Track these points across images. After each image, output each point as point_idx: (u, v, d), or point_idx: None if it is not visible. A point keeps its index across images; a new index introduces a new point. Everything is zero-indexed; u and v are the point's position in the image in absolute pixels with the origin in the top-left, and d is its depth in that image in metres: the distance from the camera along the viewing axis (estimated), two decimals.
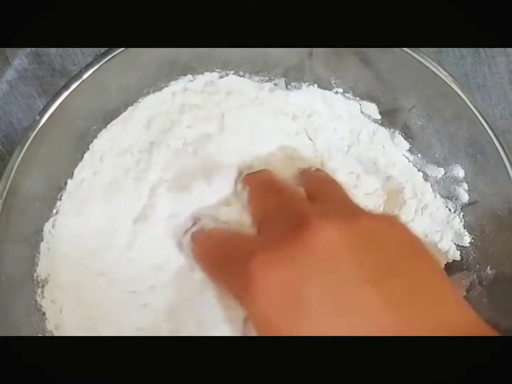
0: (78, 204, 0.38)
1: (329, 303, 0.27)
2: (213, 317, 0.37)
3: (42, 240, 0.37)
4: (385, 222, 0.31)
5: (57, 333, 0.37)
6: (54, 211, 0.38)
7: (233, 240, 0.33)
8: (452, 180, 0.41)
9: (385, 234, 0.30)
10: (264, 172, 0.38)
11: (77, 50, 0.43)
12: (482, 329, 0.28)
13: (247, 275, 0.28)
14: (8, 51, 0.42)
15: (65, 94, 0.34)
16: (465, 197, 0.41)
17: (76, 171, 0.38)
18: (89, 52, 0.43)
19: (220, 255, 0.33)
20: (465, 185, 0.41)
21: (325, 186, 0.38)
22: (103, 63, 0.35)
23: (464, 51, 0.46)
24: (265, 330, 0.29)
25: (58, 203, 0.38)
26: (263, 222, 0.33)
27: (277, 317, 0.28)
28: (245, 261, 0.29)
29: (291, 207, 0.32)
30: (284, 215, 0.31)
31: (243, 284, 0.29)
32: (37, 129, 0.34)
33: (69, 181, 0.38)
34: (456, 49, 0.46)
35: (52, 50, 0.43)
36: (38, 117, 0.34)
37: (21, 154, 0.34)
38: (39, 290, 0.37)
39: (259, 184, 0.36)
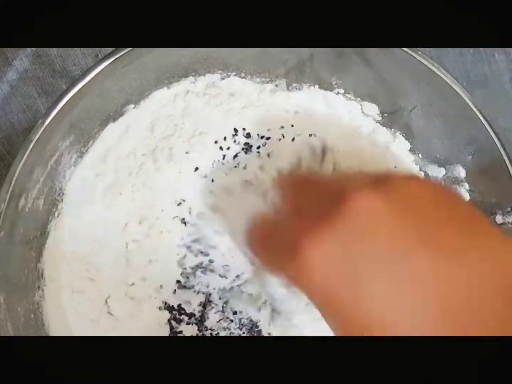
0: (79, 206, 0.38)
1: (382, 268, 0.28)
2: None
3: (45, 241, 0.38)
4: (416, 180, 0.32)
5: (57, 333, 0.38)
6: (57, 213, 0.38)
7: (280, 228, 0.34)
8: (453, 180, 0.41)
9: (421, 192, 0.31)
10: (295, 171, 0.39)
11: (77, 50, 0.43)
12: None
13: (299, 256, 0.29)
14: (9, 51, 0.42)
15: (68, 97, 0.34)
16: (466, 197, 0.41)
17: (76, 173, 0.38)
18: (90, 53, 0.43)
19: (272, 245, 0.34)
20: (466, 185, 0.41)
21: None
22: (105, 66, 0.35)
23: (464, 49, 0.46)
24: (326, 307, 0.29)
25: (60, 205, 0.38)
26: (305, 208, 0.34)
27: (336, 289, 0.28)
28: (295, 244, 0.29)
29: (328, 188, 0.33)
30: (323, 195, 0.32)
31: (297, 266, 0.29)
32: (40, 132, 0.34)
33: (69, 183, 0.38)
34: (456, 48, 0.46)
35: (53, 51, 0.43)
36: (40, 121, 0.34)
37: (24, 157, 0.34)
38: (40, 291, 0.38)
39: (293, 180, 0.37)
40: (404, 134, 0.42)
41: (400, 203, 0.29)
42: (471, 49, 0.46)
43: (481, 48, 0.46)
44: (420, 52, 0.37)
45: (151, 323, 0.38)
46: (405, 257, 0.28)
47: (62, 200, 0.38)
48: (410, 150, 0.42)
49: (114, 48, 0.35)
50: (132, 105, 0.39)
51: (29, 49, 0.42)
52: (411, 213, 0.29)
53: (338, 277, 0.28)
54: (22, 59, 0.42)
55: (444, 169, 0.41)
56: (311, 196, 0.34)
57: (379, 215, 0.29)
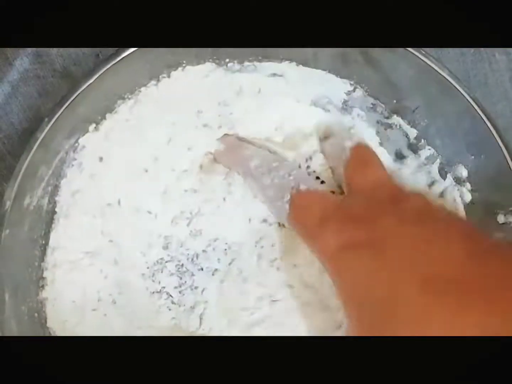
0: (77, 204, 0.38)
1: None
2: None
3: (49, 240, 0.38)
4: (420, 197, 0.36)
5: (58, 333, 0.38)
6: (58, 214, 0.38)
7: (325, 202, 0.36)
8: (455, 179, 0.41)
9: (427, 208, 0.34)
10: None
11: (78, 50, 0.43)
12: None
13: (338, 234, 0.33)
14: (9, 51, 0.42)
15: (73, 96, 0.35)
16: (468, 197, 0.41)
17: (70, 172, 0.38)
18: (90, 52, 0.43)
19: (315, 216, 0.35)
20: (468, 185, 0.41)
21: None
22: (110, 66, 0.35)
23: (465, 49, 0.46)
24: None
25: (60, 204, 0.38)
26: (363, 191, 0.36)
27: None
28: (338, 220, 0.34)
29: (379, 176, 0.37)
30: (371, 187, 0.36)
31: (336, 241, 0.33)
32: (46, 130, 0.34)
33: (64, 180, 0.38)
34: (456, 48, 0.46)
35: (53, 50, 0.43)
36: (46, 119, 0.34)
37: (30, 156, 0.34)
38: (44, 290, 0.38)
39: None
40: (406, 134, 0.42)
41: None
42: (472, 49, 0.46)
43: (482, 48, 0.46)
44: (423, 52, 0.37)
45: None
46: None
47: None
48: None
49: (116, 48, 0.35)
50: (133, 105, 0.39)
51: (29, 49, 0.42)
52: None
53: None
54: (23, 58, 0.42)
55: (446, 169, 0.42)
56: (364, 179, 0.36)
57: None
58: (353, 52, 0.39)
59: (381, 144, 0.42)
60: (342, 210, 0.35)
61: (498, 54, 0.47)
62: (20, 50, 0.42)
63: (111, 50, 0.35)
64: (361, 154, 0.39)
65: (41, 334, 0.37)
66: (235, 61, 0.39)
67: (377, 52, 0.38)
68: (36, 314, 0.37)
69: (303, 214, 0.36)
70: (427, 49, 0.37)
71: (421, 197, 0.35)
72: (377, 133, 0.42)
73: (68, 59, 0.43)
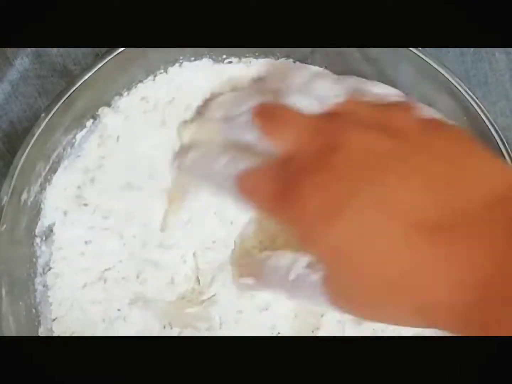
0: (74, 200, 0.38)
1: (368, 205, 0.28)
2: None
3: (46, 236, 0.38)
4: (402, 108, 0.33)
5: (56, 333, 0.38)
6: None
7: (276, 171, 0.32)
8: None
9: (406, 121, 0.31)
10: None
11: (78, 50, 0.43)
12: None
13: (298, 198, 0.30)
14: (9, 51, 0.42)
15: (70, 91, 0.34)
16: None
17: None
18: (90, 52, 0.43)
19: (269, 188, 0.32)
20: None
21: None
22: (105, 63, 0.35)
23: (465, 49, 0.46)
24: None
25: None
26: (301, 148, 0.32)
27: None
28: (296, 185, 0.30)
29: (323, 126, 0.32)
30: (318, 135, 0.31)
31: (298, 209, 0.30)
32: (42, 126, 0.34)
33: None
34: (456, 48, 0.46)
35: (53, 50, 0.43)
36: (43, 114, 0.34)
37: (26, 151, 0.34)
38: (41, 286, 0.38)
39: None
40: None
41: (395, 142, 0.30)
42: (472, 49, 0.46)
43: (482, 48, 0.46)
44: (421, 49, 0.37)
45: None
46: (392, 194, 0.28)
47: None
48: None
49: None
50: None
51: (29, 49, 0.42)
52: (404, 149, 0.30)
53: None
54: (23, 58, 0.42)
55: None
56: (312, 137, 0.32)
57: (375, 160, 0.29)
58: (350, 49, 0.38)
59: None
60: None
61: (498, 54, 0.47)
62: (20, 50, 0.42)
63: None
64: None
65: (39, 330, 0.37)
66: (232, 57, 0.39)
67: (374, 49, 0.38)
68: (33, 310, 0.37)
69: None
70: (425, 49, 0.37)
71: None
72: None
73: (68, 59, 0.43)
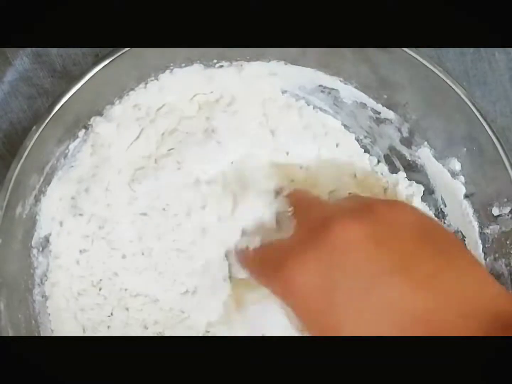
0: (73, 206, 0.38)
1: (354, 297, 0.30)
2: None
3: (43, 247, 0.38)
4: (399, 207, 0.33)
5: (55, 333, 0.38)
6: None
7: (270, 247, 0.35)
8: (448, 171, 0.41)
9: (402, 218, 0.32)
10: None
11: (77, 50, 0.43)
12: (504, 302, 0.29)
13: (284, 276, 0.31)
14: (9, 51, 0.42)
15: (67, 97, 0.34)
16: (462, 189, 0.41)
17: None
18: (90, 52, 0.43)
19: (261, 261, 0.35)
20: (462, 178, 0.41)
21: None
22: (105, 65, 0.35)
23: (464, 49, 0.47)
24: (307, 318, 0.32)
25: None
26: (299, 228, 0.35)
27: (315, 308, 0.31)
28: (281, 264, 0.32)
29: (316, 210, 0.34)
30: (311, 219, 0.33)
31: (283, 283, 0.32)
32: (34, 138, 0.34)
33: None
34: (456, 48, 0.47)
35: (53, 50, 0.43)
36: (34, 127, 0.34)
37: (20, 164, 0.34)
38: (39, 297, 0.38)
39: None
40: (400, 130, 0.42)
41: (380, 231, 0.31)
42: (472, 49, 0.46)
43: (482, 48, 0.46)
44: (415, 49, 0.37)
45: None
46: (375, 286, 0.29)
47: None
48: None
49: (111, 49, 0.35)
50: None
51: (29, 49, 0.42)
52: (389, 241, 0.31)
53: (317, 298, 0.30)
54: (23, 58, 0.42)
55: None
56: (306, 217, 0.34)
57: (357, 245, 0.30)
58: (343, 50, 0.39)
59: (372, 142, 0.43)
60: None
61: (498, 54, 0.47)
62: (20, 50, 0.42)
63: (110, 50, 0.35)
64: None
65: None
66: (223, 61, 0.39)
67: (368, 49, 0.38)
68: (33, 321, 0.37)
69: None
70: (425, 49, 0.37)
71: None
72: (370, 128, 0.43)
73: (68, 59, 0.43)
